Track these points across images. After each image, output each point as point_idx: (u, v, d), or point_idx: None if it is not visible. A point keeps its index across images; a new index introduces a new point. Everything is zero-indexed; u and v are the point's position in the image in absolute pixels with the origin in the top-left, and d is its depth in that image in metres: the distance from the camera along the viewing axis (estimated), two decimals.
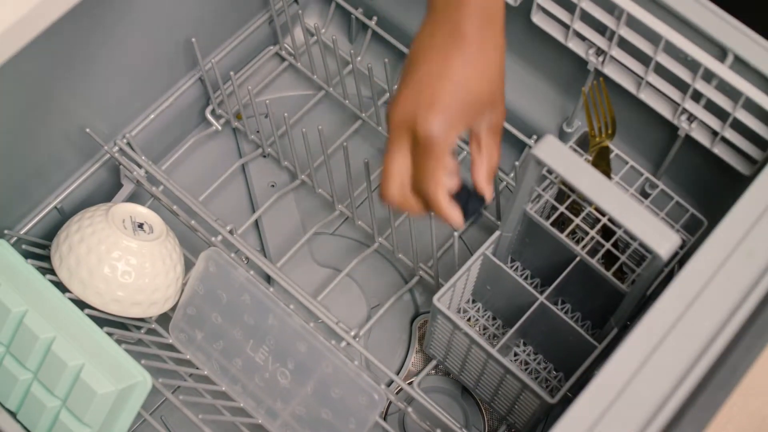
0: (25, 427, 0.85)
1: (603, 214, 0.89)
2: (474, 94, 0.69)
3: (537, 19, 0.91)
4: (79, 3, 0.79)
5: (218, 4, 1.01)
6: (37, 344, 0.83)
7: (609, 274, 0.85)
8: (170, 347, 0.96)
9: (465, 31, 0.68)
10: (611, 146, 0.92)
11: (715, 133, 0.86)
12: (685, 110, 0.87)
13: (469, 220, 0.86)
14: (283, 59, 1.12)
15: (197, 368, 0.94)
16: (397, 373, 1.00)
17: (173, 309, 0.94)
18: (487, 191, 0.74)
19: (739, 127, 0.83)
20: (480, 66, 0.68)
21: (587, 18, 0.87)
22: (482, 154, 0.73)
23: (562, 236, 0.86)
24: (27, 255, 0.92)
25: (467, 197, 0.74)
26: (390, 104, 0.70)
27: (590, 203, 0.89)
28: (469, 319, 0.98)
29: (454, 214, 0.72)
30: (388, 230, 0.99)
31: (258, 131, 1.07)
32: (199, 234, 0.97)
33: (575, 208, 0.90)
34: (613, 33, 0.85)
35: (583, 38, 0.89)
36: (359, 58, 1.09)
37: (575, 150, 0.93)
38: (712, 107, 0.84)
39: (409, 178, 0.71)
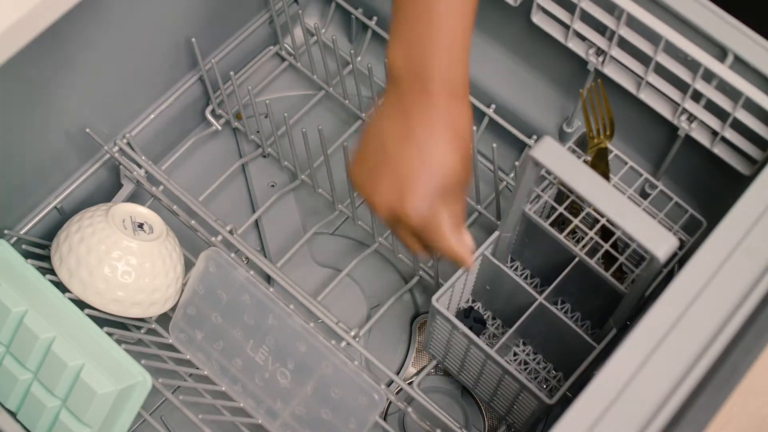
0: (25, 427, 0.85)
1: (602, 214, 0.89)
2: (449, 176, 0.71)
3: (537, 19, 0.91)
4: (79, 3, 0.79)
5: (218, 4, 1.01)
6: (37, 344, 0.83)
7: (608, 275, 0.85)
8: (170, 347, 0.96)
9: (434, 109, 0.70)
10: (610, 147, 0.92)
11: (715, 133, 0.86)
12: (685, 110, 0.87)
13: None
14: (283, 59, 1.12)
15: (197, 368, 0.94)
16: (397, 373, 1.00)
17: (173, 309, 0.94)
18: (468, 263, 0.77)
19: (739, 127, 0.83)
20: (452, 146, 0.71)
21: (587, 18, 0.87)
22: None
23: (561, 237, 0.86)
24: (27, 255, 0.92)
25: None
26: (370, 193, 0.73)
27: (589, 204, 0.89)
28: None
29: (467, 255, 0.75)
30: (388, 230, 0.99)
31: (258, 131, 1.07)
32: (199, 234, 0.97)
33: (575, 209, 0.90)
34: (613, 33, 0.85)
35: (583, 38, 0.89)
36: (359, 58, 1.09)
37: (575, 150, 0.93)
38: (712, 107, 0.84)
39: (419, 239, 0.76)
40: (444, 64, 0.70)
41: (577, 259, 0.86)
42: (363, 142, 0.75)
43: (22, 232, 0.95)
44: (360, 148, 0.75)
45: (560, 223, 0.92)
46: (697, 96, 0.85)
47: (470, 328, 0.88)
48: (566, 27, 0.89)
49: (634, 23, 0.83)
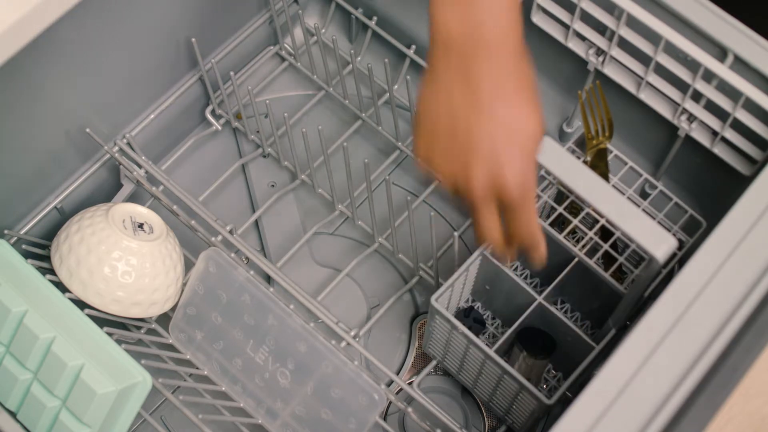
0: (25, 427, 0.85)
1: (601, 215, 0.89)
2: (536, 138, 0.69)
3: (537, 19, 0.91)
4: (79, 3, 0.79)
5: (218, 4, 1.01)
6: (37, 344, 0.83)
7: (607, 275, 0.85)
8: (170, 347, 0.96)
9: (501, 71, 0.67)
10: (610, 147, 0.92)
11: (715, 133, 0.86)
12: (685, 110, 0.87)
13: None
14: (283, 59, 1.12)
15: (197, 368, 0.94)
16: (397, 373, 1.00)
17: (173, 309, 0.94)
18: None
19: (739, 127, 0.83)
20: (529, 107, 0.69)
21: (587, 18, 0.87)
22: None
23: (561, 237, 0.86)
24: (27, 255, 0.92)
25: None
26: (462, 176, 0.70)
27: (588, 204, 0.89)
28: None
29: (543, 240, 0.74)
30: (388, 230, 0.99)
31: (258, 131, 1.07)
32: (199, 234, 0.97)
33: (574, 209, 0.90)
34: (613, 33, 0.85)
35: (583, 38, 0.89)
36: (359, 58, 1.09)
37: (574, 151, 0.93)
38: (712, 107, 0.84)
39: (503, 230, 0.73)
40: (504, 25, 0.67)
41: (576, 260, 0.86)
42: (425, 118, 0.70)
43: (22, 232, 0.95)
44: (423, 125, 0.71)
45: (560, 223, 0.92)
46: (697, 96, 0.85)
47: (469, 328, 0.88)
48: (566, 27, 0.89)
49: (634, 23, 0.83)
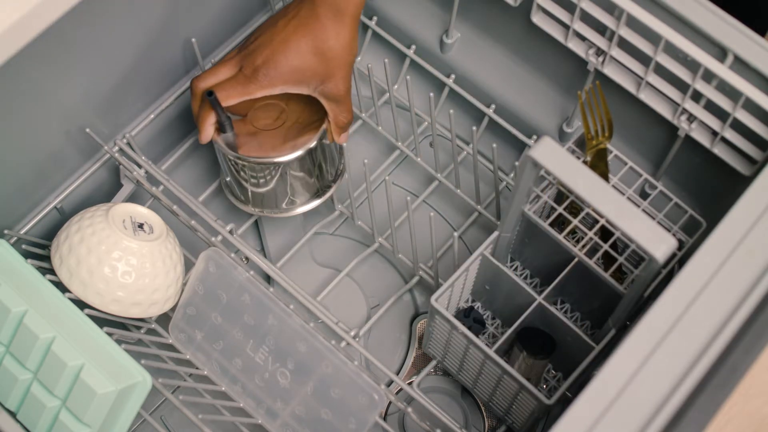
0: (24, 427, 0.85)
1: (601, 215, 0.89)
2: (306, 64, 0.86)
3: (537, 19, 0.91)
4: (79, 3, 0.79)
5: (218, 4, 1.01)
6: (37, 344, 0.83)
7: (607, 275, 0.85)
8: (170, 347, 0.96)
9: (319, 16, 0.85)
10: (610, 147, 0.92)
11: (715, 134, 0.86)
12: (685, 110, 0.87)
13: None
14: None
15: (197, 368, 0.94)
16: (397, 374, 1.00)
17: (173, 309, 0.94)
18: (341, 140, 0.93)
19: (739, 127, 0.83)
20: (319, 53, 0.85)
21: (587, 18, 0.87)
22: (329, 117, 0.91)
23: (561, 237, 0.86)
24: (27, 255, 0.92)
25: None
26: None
27: (588, 204, 0.89)
28: None
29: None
30: (388, 230, 0.99)
31: None
32: (199, 234, 0.97)
33: (574, 209, 0.90)
34: (613, 33, 0.85)
35: (583, 38, 0.89)
36: (359, 58, 1.09)
37: (574, 151, 0.93)
38: (712, 107, 0.84)
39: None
40: None
41: (576, 260, 0.86)
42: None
43: (22, 232, 0.95)
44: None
45: (560, 223, 0.92)
46: (697, 96, 0.85)
47: (469, 328, 0.88)
48: (566, 27, 0.89)
49: (634, 23, 0.83)
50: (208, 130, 0.90)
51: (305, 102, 0.93)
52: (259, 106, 0.94)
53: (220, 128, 0.91)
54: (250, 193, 0.96)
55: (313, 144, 0.91)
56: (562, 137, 1.02)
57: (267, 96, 0.93)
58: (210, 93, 0.87)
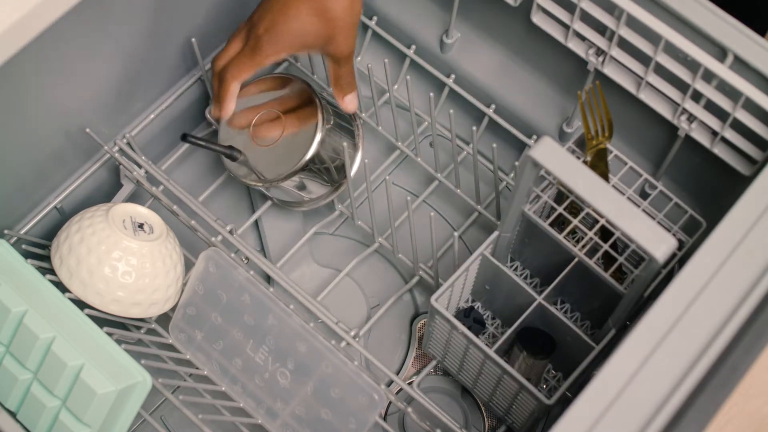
0: (24, 427, 0.85)
1: (601, 215, 0.89)
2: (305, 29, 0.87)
3: (537, 19, 0.91)
4: (79, 3, 0.79)
5: (218, 4, 1.01)
6: (37, 344, 0.83)
7: (607, 275, 0.85)
8: (170, 347, 0.96)
9: None
10: (610, 147, 0.92)
11: (715, 133, 0.86)
12: (685, 110, 0.87)
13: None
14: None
15: (197, 368, 0.94)
16: (397, 373, 1.00)
17: (173, 309, 0.94)
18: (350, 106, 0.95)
19: (739, 127, 0.83)
20: (318, 14, 0.86)
21: (587, 18, 0.87)
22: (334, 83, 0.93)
23: (561, 237, 0.86)
24: (27, 255, 0.92)
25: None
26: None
27: (588, 204, 0.89)
28: None
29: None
30: (388, 230, 0.99)
31: None
32: (199, 234, 0.97)
33: (574, 209, 0.90)
34: (613, 33, 0.85)
35: (583, 38, 0.89)
36: (359, 58, 1.09)
37: (574, 151, 0.93)
38: (712, 107, 0.84)
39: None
40: None
41: (576, 260, 0.86)
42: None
43: (22, 232, 0.95)
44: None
45: (560, 223, 0.92)
46: (697, 96, 0.85)
47: (469, 328, 0.88)
48: (566, 27, 0.89)
49: (634, 23, 0.83)
50: (229, 106, 0.91)
51: (296, 103, 0.95)
52: (257, 122, 0.95)
53: (229, 158, 0.94)
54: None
55: (309, 156, 0.92)
56: (562, 137, 1.02)
57: (262, 107, 0.95)
58: (184, 136, 0.90)
